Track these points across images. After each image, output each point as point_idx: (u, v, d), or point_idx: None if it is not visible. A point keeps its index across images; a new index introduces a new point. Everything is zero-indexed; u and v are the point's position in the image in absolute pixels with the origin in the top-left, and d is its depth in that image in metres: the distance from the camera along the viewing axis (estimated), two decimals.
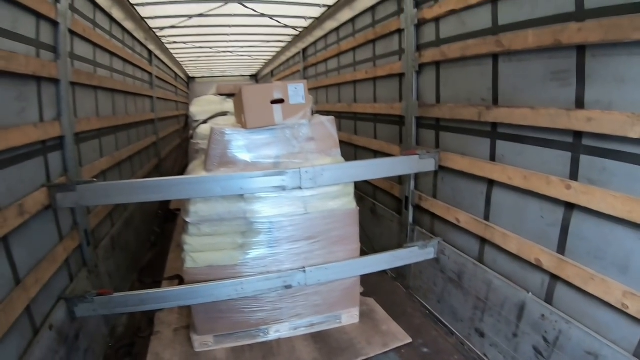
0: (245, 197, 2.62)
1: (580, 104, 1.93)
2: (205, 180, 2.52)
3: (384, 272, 3.82)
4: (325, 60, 5.60)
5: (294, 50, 7.10)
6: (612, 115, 1.74)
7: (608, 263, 1.86)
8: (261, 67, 11.19)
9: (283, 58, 8.19)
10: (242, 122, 2.66)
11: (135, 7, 4.30)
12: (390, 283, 3.70)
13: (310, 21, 5.39)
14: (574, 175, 2.00)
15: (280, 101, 2.62)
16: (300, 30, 5.94)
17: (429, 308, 3.20)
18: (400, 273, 3.66)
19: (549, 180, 2.08)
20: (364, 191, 4.55)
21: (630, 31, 1.63)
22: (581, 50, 1.90)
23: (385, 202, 4.09)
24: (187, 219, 2.60)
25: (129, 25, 4.48)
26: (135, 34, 4.83)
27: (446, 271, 3.00)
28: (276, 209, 2.67)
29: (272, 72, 9.97)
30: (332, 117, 2.84)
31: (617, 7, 1.71)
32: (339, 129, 5.20)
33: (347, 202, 2.80)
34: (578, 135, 1.96)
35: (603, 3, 1.78)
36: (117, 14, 3.99)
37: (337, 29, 4.99)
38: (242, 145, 2.63)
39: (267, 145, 2.67)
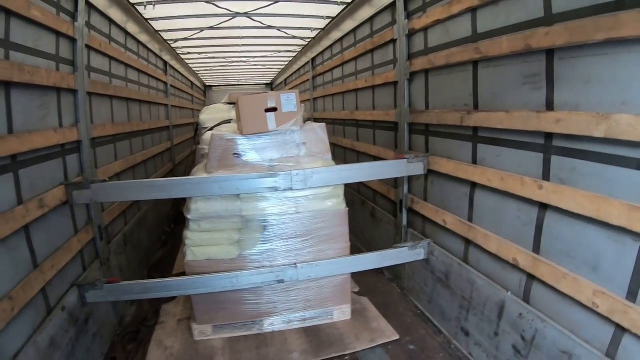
0: (242, 196, 2.83)
1: (550, 106, 2.01)
2: (205, 181, 2.74)
3: (381, 273, 3.94)
4: (331, 70, 5.78)
5: (304, 60, 7.31)
6: (578, 115, 1.80)
7: (579, 262, 1.90)
8: (275, 75, 11.49)
9: (295, 67, 8.43)
10: (240, 129, 2.87)
11: (149, 21, 4.58)
12: (386, 284, 3.81)
13: (316, 32, 5.59)
14: (546, 175, 2.07)
15: (274, 109, 2.82)
16: (308, 40, 6.14)
17: (421, 308, 3.29)
18: (396, 274, 3.76)
19: (523, 181, 2.16)
20: (366, 195, 4.69)
21: (593, 32, 1.69)
22: (550, 53, 1.98)
23: (383, 205, 4.20)
24: (189, 216, 2.82)
25: (143, 38, 4.77)
26: (150, 46, 5.13)
27: (435, 272, 3.09)
28: (270, 208, 2.86)
29: (285, 80, 10.24)
30: (323, 124, 3.01)
31: (581, 9, 1.77)
32: (343, 135, 5.38)
33: (337, 203, 2.95)
34: (549, 136, 2.03)
35: (569, 7, 1.85)
36: (131, 28, 4.27)
37: (341, 40, 5.17)
38: (239, 149, 2.85)
39: (262, 150, 2.87)
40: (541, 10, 2.01)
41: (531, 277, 2.20)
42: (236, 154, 2.84)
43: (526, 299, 2.25)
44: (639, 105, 1.59)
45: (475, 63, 2.54)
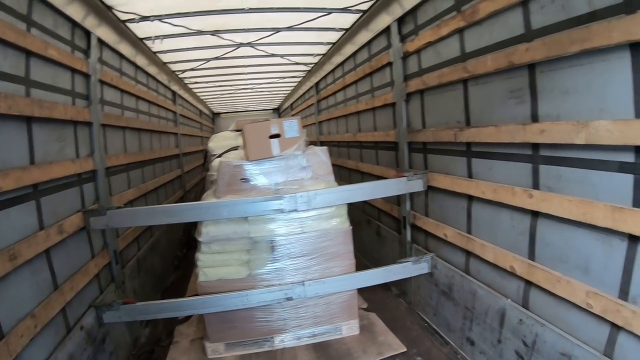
0: (250, 219, 2.97)
1: (535, 118, 2.12)
2: (214, 205, 2.90)
3: (389, 289, 4.00)
4: (334, 93, 5.98)
5: (308, 84, 7.55)
6: (560, 125, 1.90)
7: (571, 265, 1.98)
8: (282, 100, 11.80)
9: (300, 92, 8.68)
10: (246, 155, 3.04)
11: (157, 54, 4.84)
12: (393, 299, 3.86)
13: (318, 57, 5.82)
14: (535, 184, 2.17)
15: (277, 136, 2.99)
16: (311, 65, 6.39)
17: (427, 321, 3.35)
18: (402, 290, 3.82)
19: (514, 191, 2.26)
20: (371, 214, 4.78)
21: (567, 45, 1.80)
22: (532, 68, 2.10)
23: (388, 223, 4.30)
24: (200, 239, 2.96)
25: (152, 70, 5.03)
26: (159, 77, 5.39)
27: (439, 284, 3.16)
28: (277, 229, 2.99)
29: (291, 105, 10.50)
30: (325, 147, 3.17)
31: (557, 24, 1.89)
32: (348, 157, 5.53)
33: (340, 222, 3.07)
34: (536, 147, 2.13)
35: (546, 22, 1.97)
36: (140, 61, 4.51)
37: (342, 64, 5.38)
38: (246, 174, 3.01)
39: (268, 174, 3.03)
40: (522, 27, 2.13)
41: (528, 283, 2.27)
42: (243, 179, 3.00)
43: (525, 304, 2.31)
44: (614, 110, 1.69)
45: (464, 81, 2.69)
